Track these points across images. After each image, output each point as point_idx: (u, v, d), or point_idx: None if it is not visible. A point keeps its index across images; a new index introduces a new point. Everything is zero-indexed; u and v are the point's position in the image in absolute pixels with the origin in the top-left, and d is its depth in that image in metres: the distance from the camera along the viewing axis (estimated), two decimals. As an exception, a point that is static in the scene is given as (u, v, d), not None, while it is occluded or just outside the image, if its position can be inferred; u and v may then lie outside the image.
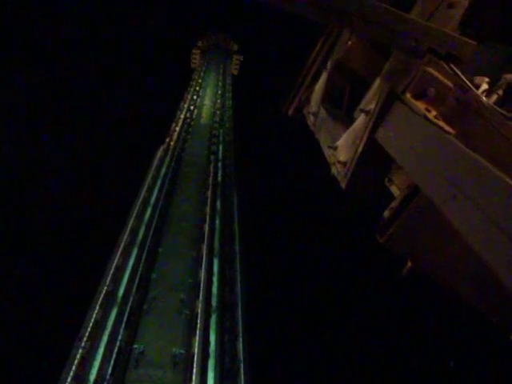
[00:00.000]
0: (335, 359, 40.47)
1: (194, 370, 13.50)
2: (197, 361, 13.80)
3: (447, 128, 2.94)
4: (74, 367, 13.25)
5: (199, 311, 15.67)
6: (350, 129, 4.14)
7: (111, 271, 17.37)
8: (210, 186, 23.83)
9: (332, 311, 43.49)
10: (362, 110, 3.87)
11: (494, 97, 3.96)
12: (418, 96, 3.20)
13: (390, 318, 42.48)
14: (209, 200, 22.49)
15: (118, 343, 14.47)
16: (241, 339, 16.65)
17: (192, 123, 33.44)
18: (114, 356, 14.02)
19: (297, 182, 60.46)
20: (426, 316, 41.03)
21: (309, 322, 43.27)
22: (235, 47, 60.66)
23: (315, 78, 5.43)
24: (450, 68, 3.29)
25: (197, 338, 14.63)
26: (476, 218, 2.06)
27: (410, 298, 38.31)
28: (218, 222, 21.70)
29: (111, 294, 16.24)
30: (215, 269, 18.68)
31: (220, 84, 45.22)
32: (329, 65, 5.07)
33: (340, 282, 45.49)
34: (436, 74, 3.22)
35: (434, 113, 3.07)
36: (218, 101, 39.95)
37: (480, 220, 2.03)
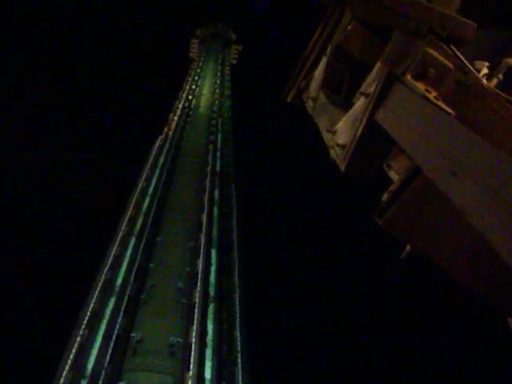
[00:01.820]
0: (334, 347, 40.62)
1: (192, 359, 13.51)
2: (194, 350, 13.81)
3: (447, 109, 2.92)
4: (72, 355, 13.26)
5: (197, 300, 15.67)
6: (350, 112, 4.12)
7: (109, 260, 17.35)
8: (209, 176, 23.75)
9: (331, 299, 43.61)
10: (361, 93, 3.86)
11: (495, 81, 3.94)
12: (418, 77, 3.19)
13: (390, 302, 42.59)
14: (207, 189, 22.42)
15: (115, 332, 14.49)
16: (238, 329, 16.68)
17: (190, 113, 33.30)
18: (111, 344, 14.04)
19: (295, 172, 60.47)
20: (424, 299, 41.13)
21: (307, 311, 43.40)
22: (234, 37, 60.37)
23: (315, 64, 5.41)
24: (451, 50, 3.28)
25: (194, 327, 14.64)
26: (476, 193, 2.05)
27: (408, 282, 38.40)
28: (216, 211, 21.66)
29: (109, 283, 16.24)
30: (213, 258, 18.67)
31: (219, 73, 45.03)
32: (329, 50, 5.05)
33: (339, 268, 45.54)
34: (436, 55, 3.21)
35: (433, 94, 3.06)
36: (217, 90, 39.78)
37: (480, 195, 2.02)
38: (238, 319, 17.01)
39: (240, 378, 14.86)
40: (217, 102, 36.59)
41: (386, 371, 39.47)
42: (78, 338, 13.85)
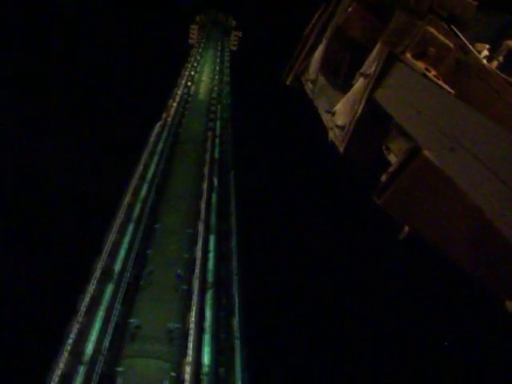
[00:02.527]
0: (332, 334, 40.77)
1: (190, 345, 13.56)
2: (192, 335, 13.86)
3: (447, 87, 2.91)
4: (70, 341, 13.31)
5: (195, 287, 15.70)
6: (349, 93, 4.10)
7: (108, 247, 17.35)
8: (207, 162, 23.71)
9: (330, 285, 43.71)
10: (361, 74, 3.83)
11: (495, 63, 3.92)
12: (418, 56, 3.16)
13: (388, 282, 42.69)
14: (205, 176, 22.40)
15: (114, 318, 14.53)
16: (236, 315, 16.73)
17: (189, 99, 33.22)
18: (110, 331, 14.09)
19: (294, 159, 60.41)
20: (422, 281, 41.22)
21: (305, 298, 43.50)
22: (233, 23, 60.10)
23: (314, 46, 5.37)
24: (451, 29, 3.25)
25: (192, 313, 14.68)
26: (474, 168, 2.04)
27: (407, 263, 38.46)
28: (214, 198, 21.66)
29: (107, 270, 16.27)
30: (211, 245, 18.68)
31: (218, 60, 44.88)
32: (328, 32, 5.01)
33: (337, 254, 45.56)
34: (437, 34, 3.18)
35: (433, 72, 3.03)
36: (216, 77, 39.67)
37: (478, 171, 2.01)
38: (236, 305, 17.06)
39: (238, 364, 14.91)
40: (216, 89, 36.49)
41: (385, 363, 39.70)
42: (77, 325, 13.89)
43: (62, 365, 12.52)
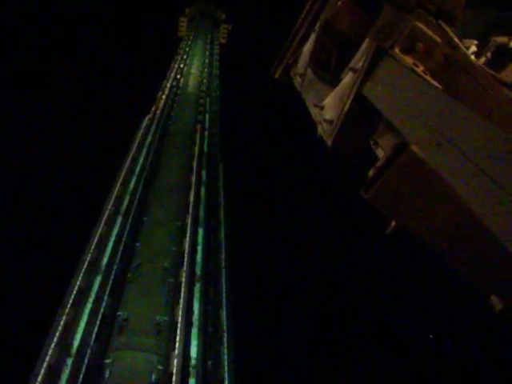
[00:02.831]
0: (321, 328, 40.99)
1: (178, 338, 13.56)
2: (180, 328, 13.85)
3: (434, 83, 2.92)
4: (58, 334, 13.25)
5: (183, 280, 15.69)
6: (338, 87, 4.11)
7: (95, 239, 17.28)
8: (196, 156, 23.66)
9: (320, 279, 43.89)
10: (350, 69, 3.84)
11: (483, 59, 3.94)
12: (406, 51, 3.18)
13: (375, 276, 42.94)
14: (194, 169, 22.35)
15: (101, 310, 14.50)
16: (224, 308, 16.76)
17: (178, 92, 33.09)
18: (97, 323, 14.06)
19: (283, 152, 60.47)
20: (409, 275, 41.49)
21: (294, 291, 43.67)
22: (223, 16, 59.91)
23: (303, 40, 5.38)
24: (439, 24, 3.26)
25: (180, 306, 14.67)
26: (461, 164, 2.05)
27: (395, 257, 38.69)
28: (203, 191, 21.63)
29: (95, 262, 16.20)
30: (200, 238, 18.67)
31: (207, 53, 44.74)
32: (317, 26, 5.01)
33: (329, 248, 45.74)
34: (425, 29, 3.20)
35: (421, 68, 3.05)
36: (206, 70, 39.54)
37: (465, 166, 2.02)
38: (224, 299, 17.09)
39: (225, 357, 14.95)
40: (205, 82, 36.38)
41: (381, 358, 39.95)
42: (64, 317, 13.84)
43: (48, 357, 12.47)
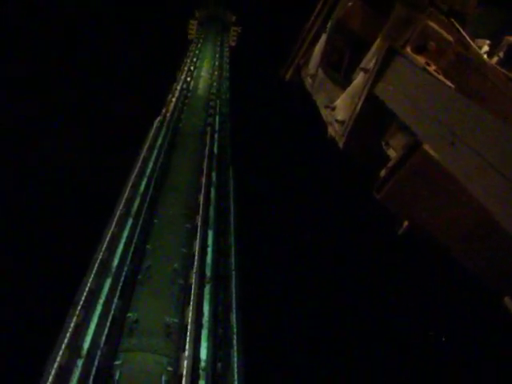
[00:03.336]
0: (330, 330, 40.87)
1: (188, 340, 13.56)
2: (190, 330, 13.86)
3: (447, 82, 2.90)
4: (68, 335, 13.30)
5: (193, 281, 15.70)
6: (349, 88, 4.09)
7: (106, 241, 17.34)
8: (206, 158, 23.71)
9: (329, 282, 43.79)
10: (361, 69, 3.82)
11: (495, 58, 3.92)
12: (418, 50, 3.16)
13: (387, 278, 42.77)
14: (204, 171, 22.40)
15: (112, 312, 14.52)
16: (234, 310, 16.75)
17: (189, 94, 33.19)
18: (108, 324, 14.08)
19: (293, 154, 60.42)
20: (421, 276, 41.29)
21: (304, 293, 43.58)
22: (233, 18, 59.99)
23: (314, 41, 5.36)
24: (452, 23, 3.24)
25: (190, 308, 14.69)
26: (474, 163, 2.04)
27: (406, 258, 38.53)
28: (213, 193, 21.66)
29: (106, 264, 16.25)
30: (210, 240, 18.68)
31: (217, 55, 44.81)
32: (328, 26, 4.99)
33: (338, 251, 45.64)
34: (437, 28, 3.17)
35: (433, 67, 3.03)
36: (215, 72, 39.62)
37: (478, 165, 2.00)
38: (234, 300, 17.07)
39: (235, 360, 14.94)
40: (215, 84, 36.45)
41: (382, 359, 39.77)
42: (75, 318, 13.88)
43: (59, 359, 12.51)
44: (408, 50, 3.16)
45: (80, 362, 12.77)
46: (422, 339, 40.68)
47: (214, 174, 23.06)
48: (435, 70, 3.00)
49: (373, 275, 44.39)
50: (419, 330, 41.35)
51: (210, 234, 19.07)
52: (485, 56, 3.41)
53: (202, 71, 38.86)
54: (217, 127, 28.80)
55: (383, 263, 42.37)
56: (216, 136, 27.38)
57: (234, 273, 18.53)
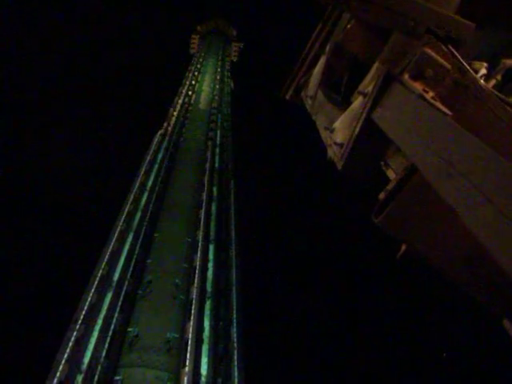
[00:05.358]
0: (332, 346, 40.69)
1: (188, 355, 13.52)
2: (191, 346, 13.82)
3: (444, 109, 2.93)
4: (68, 349, 13.25)
5: (194, 296, 15.68)
6: (348, 111, 4.12)
7: (107, 255, 17.33)
8: (207, 172, 23.75)
9: (330, 298, 43.69)
10: (359, 92, 3.86)
11: (493, 82, 3.95)
12: (416, 77, 3.18)
13: (385, 302, 42.69)
14: (205, 186, 22.44)
15: (112, 327, 14.50)
16: (235, 325, 16.70)
17: (190, 108, 33.34)
18: (108, 339, 14.06)
19: (294, 168, 60.54)
20: (420, 300, 41.23)
21: (304, 309, 43.44)
22: (234, 33, 60.40)
23: (314, 62, 5.40)
24: (449, 49, 3.28)
25: (191, 323, 14.66)
26: (471, 195, 2.05)
27: (404, 282, 38.50)
28: (214, 207, 21.68)
29: (106, 278, 16.23)
30: (211, 254, 18.68)
31: (219, 70, 45.06)
32: (327, 48, 5.04)
33: (338, 267, 45.59)
34: (434, 55, 3.20)
35: (431, 94, 3.05)
36: (217, 87, 39.81)
37: (475, 197, 2.02)
38: (234, 316, 17.04)
39: (236, 375, 14.88)
40: (216, 98, 36.61)
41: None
42: (75, 333, 13.84)
43: (59, 374, 12.46)
44: (405, 76, 3.19)
45: (80, 378, 12.72)
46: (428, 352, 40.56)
47: (214, 189, 23.11)
48: (432, 97, 3.03)
49: (372, 282, 44.35)
50: (421, 337, 41.24)
51: (211, 248, 19.08)
52: (482, 81, 3.44)
53: (203, 85, 39.06)
54: (218, 141, 28.90)
55: (383, 266, 42.28)
56: (217, 150, 27.47)
57: (234, 288, 18.50)
